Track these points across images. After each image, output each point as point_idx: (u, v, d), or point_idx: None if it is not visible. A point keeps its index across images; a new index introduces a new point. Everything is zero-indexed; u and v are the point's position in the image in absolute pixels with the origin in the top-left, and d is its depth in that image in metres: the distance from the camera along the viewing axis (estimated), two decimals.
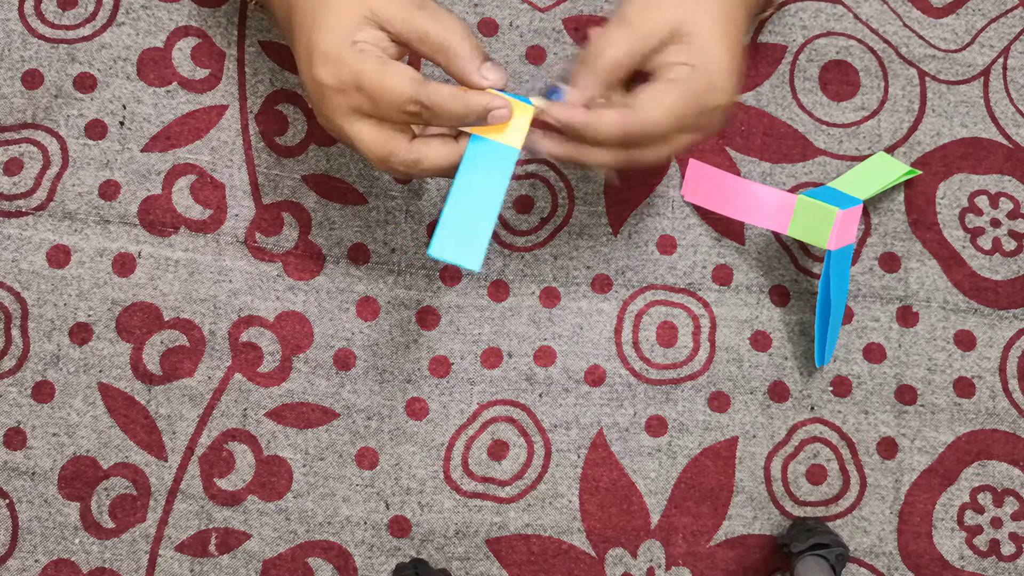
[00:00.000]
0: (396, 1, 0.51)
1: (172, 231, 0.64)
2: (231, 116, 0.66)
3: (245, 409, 0.63)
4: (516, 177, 0.66)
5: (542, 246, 0.65)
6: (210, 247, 0.64)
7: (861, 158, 0.67)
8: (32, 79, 0.65)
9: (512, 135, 0.53)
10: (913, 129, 0.67)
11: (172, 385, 0.63)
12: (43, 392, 0.63)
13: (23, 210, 0.64)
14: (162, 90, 0.66)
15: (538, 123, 0.53)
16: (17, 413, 0.62)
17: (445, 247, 0.52)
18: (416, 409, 0.63)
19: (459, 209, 0.53)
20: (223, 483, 0.62)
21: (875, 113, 0.67)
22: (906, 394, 0.65)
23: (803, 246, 0.66)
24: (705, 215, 0.66)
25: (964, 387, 0.65)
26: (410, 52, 0.53)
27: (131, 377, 0.63)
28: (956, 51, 0.68)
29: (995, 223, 0.67)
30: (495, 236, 0.65)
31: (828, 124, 0.67)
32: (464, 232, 0.53)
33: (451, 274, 0.65)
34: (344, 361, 0.64)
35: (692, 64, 0.53)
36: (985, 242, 0.66)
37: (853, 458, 0.64)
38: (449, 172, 0.54)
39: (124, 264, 0.64)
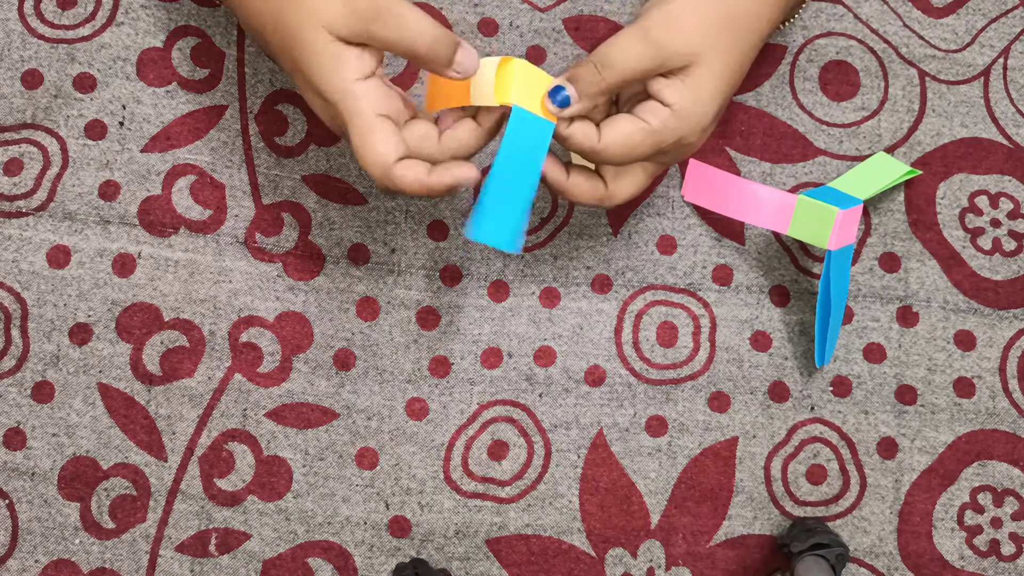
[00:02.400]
0: (346, 18, 0.51)
1: (172, 231, 0.64)
2: (231, 116, 0.66)
3: (245, 409, 0.63)
4: None
5: (542, 246, 0.65)
6: (210, 247, 0.64)
7: (861, 158, 0.67)
8: (32, 79, 0.65)
9: (536, 103, 0.53)
10: (913, 129, 0.67)
11: (172, 385, 0.63)
12: (43, 392, 0.63)
13: (23, 210, 0.64)
14: (162, 90, 0.66)
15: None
16: (17, 413, 0.62)
17: (484, 230, 0.52)
18: (416, 409, 0.63)
19: (498, 188, 0.52)
20: (223, 483, 0.62)
21: (875, 113, 0.67)
22: (906, 394, 0.65)
23: (803, 246, 0.66)
24: (705, 215, 0.66)
25: (964, 387, 0.65)
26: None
27: (131, 377, 0.63)
28: (956, 51, 0.68)
29: (995, 223, 0.67)
30: None
31: (828, 124, 0.67)
32: (502, 213, 0.52)
33: (451, 274, 0.65)
34: (344, 361, 0.64)
35: (677, 109, 0.53)
36: (985, 242, 0.66)
37: (853, 458, 0.64)
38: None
39: (124, 264, 0.64)
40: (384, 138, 0.51)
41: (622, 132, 0.53)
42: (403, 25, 0.51)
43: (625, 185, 0.57)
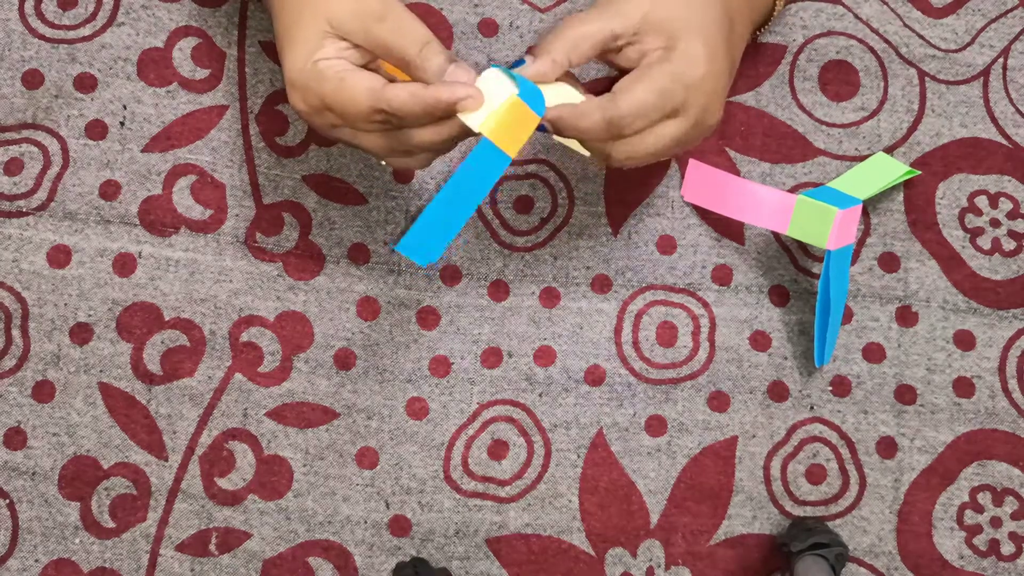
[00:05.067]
0: (353, 16, 0.51)
1: (172, 231, 0.64)
2: (231, 116, 0.66)
3: (245, 409, 0.63)
4: (516, 177, 0.66)
5: (542, 246, 0.65)
6: (210, 247, 0.64)
7: (861, 158, 0.67)
8: (32, 79, 0.65)
9: (511, 140, 0.52)
10: (913, 129, 0.67)
11: (172, 385, 0.63)
12: (43, 392, 0.63)
13: (23, 210, 0.64)
14: (162, 90, 0.66)
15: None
16: (17, 413, 0.63)
17: (413, 245, 0.51)
18: (416, 409, 0.63)
19: (441, 209, 0.51)
20: (223, 483, 0.62)
21: (875, 113, 0.68)
22: (906, 394, 0.65)
23: (803, 246, 0.66)
24: (705, 215, 0.66)
25: (964, 387, 0.65)
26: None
27: (131, 377, 0.63)
28: (956, 51, 0.68)
29: (995, 223, 0.67)
30: (495, 236, 0.65)
31: (828, 124, 0.67)
32: (435, 232, 0.52)
33: (451, 274, 0.65)
34: (344, 361, 0.64)
35: (667, 46, 0.53)
36: (985, 242, 0.66)
37: (852, 458, 0.64)
38: (444, 147, 0.53)
39: (124, 264, 0.64)
40: (361, 74, 0.51)
41: (630, 77, 0.53)
42: (402, 30, 0.51)
43: (633, 96, 0.52)
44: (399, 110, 0.50)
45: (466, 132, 0.52)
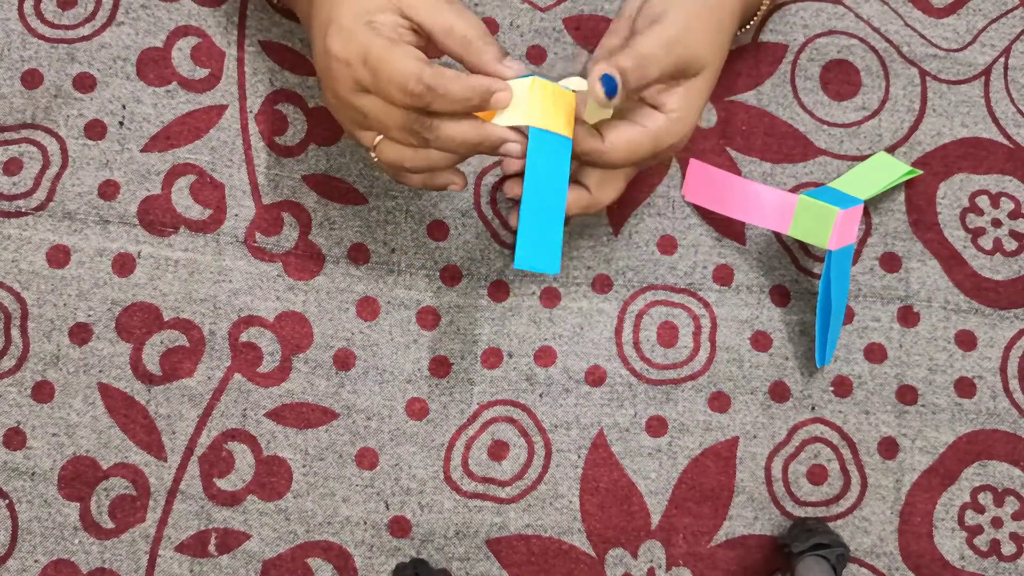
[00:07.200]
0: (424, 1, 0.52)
1: (172, 231, 0.64)
2: (231, 116, 0.66)
3: (245, 409, 0.63)
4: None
5: None
6: (210, 247, 0.64)
7: (862, 158, 0.67)
8: (32, 79, 0.65)
9: (562, 124, 0.53)
10: (914, 129, 0.67)
11: (172, 385, 0.63)
12: (43, 392, 0.63)
13: (23, 210, 0.64)
14: (162, 90, 0.66)
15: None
16: (17, 413, 0.62)
17: (528, 257, 0.53)
18: (416, 409, 0.63)
19: (531, 212, 0.53)
20: (223, 483, 0.62)
21: (876, 113, 0.67)
22: (907, 394, 0.65)
23: (804, 246, 0.66)
24: (706, 215, 0.66)
25: (965, 387, 0.65)
26: (428, 45, 0.53)
27: (131, 377, 0.63)
28: (957, 51, 0.68)
29: (996, 223, 0.67)
30: (495, 236, 0.65)
31: (829, 124, 0.67)
32: (540, 237, 0.53)
33: (451, 274, 0.65)
34: (344, 361, 0.64)
35: (675, 116, 0.55)
36: (986, 242, 0.66)
37: (854, 458, 0.64)
38: (466, 150, 0.53)
39: (124, 264, 0.64)
40: (411, 47, 0.52)
41: (626, 135, 0.55)
42: (468, 16, 0.53)
43: (609, 191, 0.60)
44: (442, 86, 0.51)
45: (488, 146, 0.53)
